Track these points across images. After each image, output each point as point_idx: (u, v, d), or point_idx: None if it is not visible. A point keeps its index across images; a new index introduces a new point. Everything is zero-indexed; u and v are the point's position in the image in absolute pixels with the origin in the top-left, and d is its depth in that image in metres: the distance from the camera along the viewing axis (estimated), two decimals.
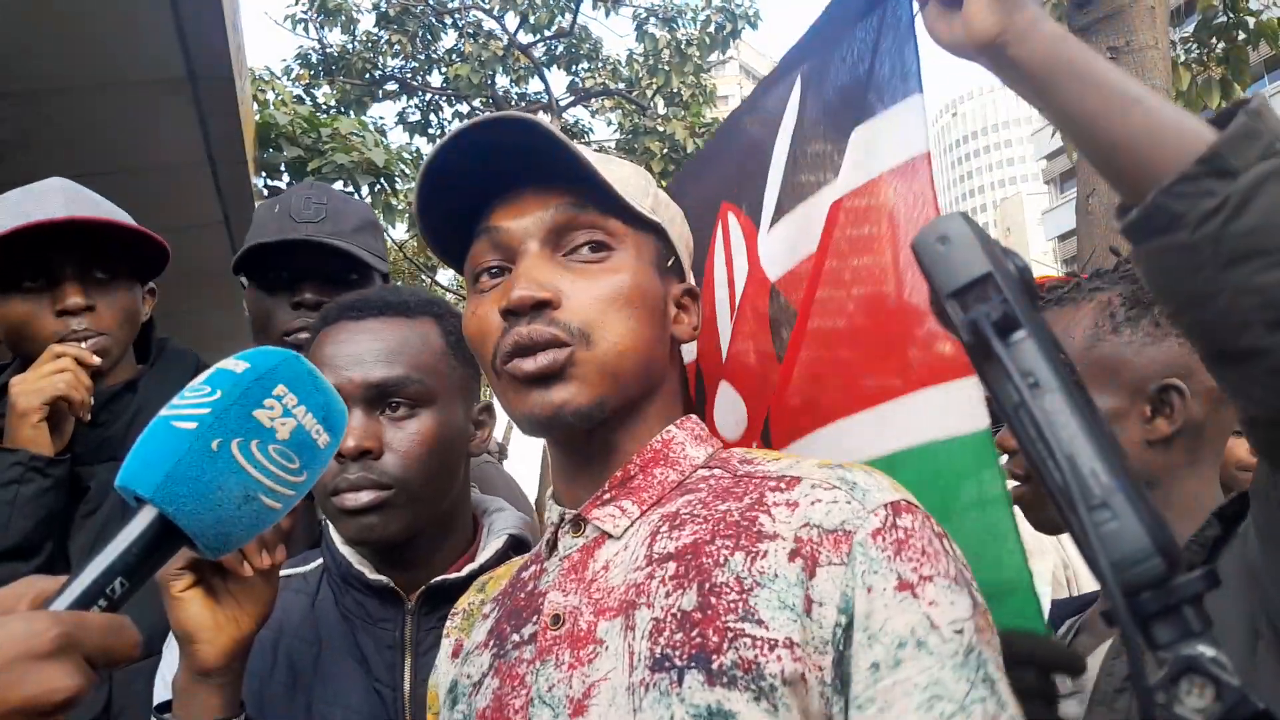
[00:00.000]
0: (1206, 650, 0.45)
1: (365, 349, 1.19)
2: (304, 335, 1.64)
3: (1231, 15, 6.37)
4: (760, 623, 0.77)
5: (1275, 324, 0.75)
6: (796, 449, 1.29)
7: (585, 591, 0.88)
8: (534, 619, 0.91)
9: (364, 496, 1.14)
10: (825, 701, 0.76)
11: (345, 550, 1.24)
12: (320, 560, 1.29)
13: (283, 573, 1.26)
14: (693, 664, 0.77)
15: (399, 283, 4.66)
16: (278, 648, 1.20)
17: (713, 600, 0.79)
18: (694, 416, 1.00)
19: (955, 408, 1.03)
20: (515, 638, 0.92)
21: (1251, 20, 6.38)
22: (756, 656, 0.76)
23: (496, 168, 0.94)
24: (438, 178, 0.94)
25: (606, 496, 0.93)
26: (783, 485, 0.86)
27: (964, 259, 0.55)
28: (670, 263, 1.01)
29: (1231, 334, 0.78)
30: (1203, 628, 0.46)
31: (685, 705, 0.76)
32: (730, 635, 0.77)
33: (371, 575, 1.21)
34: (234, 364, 0.76)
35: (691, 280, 1.06)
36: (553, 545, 0.96)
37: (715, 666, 0.76)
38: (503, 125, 0.91)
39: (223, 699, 1.00)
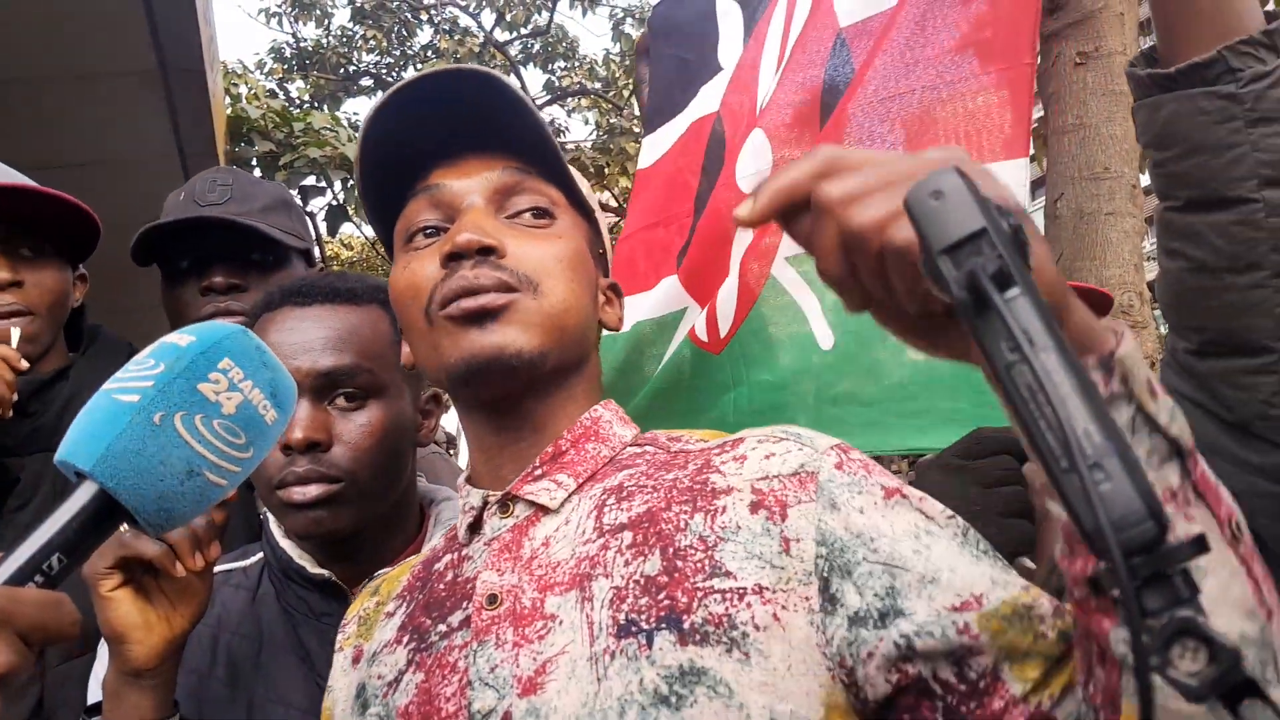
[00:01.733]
0: (1199, 615, 0.45)
1: (312, 336, 1.15)
2: (218, 321, 1.61)
3: None
4: (728, 574, 0.76)
5: (1269, 181, 0.89)
6: None
7: (525, 569, 0.85)
8: (464, 605, 0.87)
9: (312, 490, 1.11)
10: (816, 628, 0.74)
11: (286, 544, 1.21)
12: (261, 554, 1.26)
13: (222, 567, 1.24)
14: (662, 625, 0.75)
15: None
16: (217, 644, 1.17)
17: (679, 564, 0.78)
18: (613, 401, 0.99)
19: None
20: (441, 628, 0.88)
21: None
22: (727, 609, 0.74)
23: (438, 128, 0.92)
24: (382, 132, 0.92)
25: (539, 472, 0.90)
26: (727, 448, 0.86)
27: (958, 214, 0.53)
28: (600, 252, 1.01)
29: (1229, 182, 0.90)
30: (1191, 595, 0.45)
31: (656, 667, 0.73)
32: (700, 594, 0.75)
33: (313, 569, 1.18)
34: (179, 337, 0.74)
35: (614, 280, 1.07)
36: (475, 529, 0.92)
37: (686, 625, 0.74)
38: (461, 78, 0.89)
39: (154, 700, 0.97)
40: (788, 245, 1.44)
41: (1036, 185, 3.11)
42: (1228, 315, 0.93)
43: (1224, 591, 0.58)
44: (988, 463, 1.05)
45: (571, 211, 0.97)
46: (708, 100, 1.71)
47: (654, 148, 1.87)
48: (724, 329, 1.52)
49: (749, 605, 0.74)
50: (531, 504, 0.89)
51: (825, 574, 0.75)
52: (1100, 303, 2.04)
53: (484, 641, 0.82)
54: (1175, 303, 0.99)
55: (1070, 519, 0.48)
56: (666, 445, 0.92)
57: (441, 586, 0.92)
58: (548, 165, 0.94)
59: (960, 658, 0.70)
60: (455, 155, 0.94)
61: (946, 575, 0.73)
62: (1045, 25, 3.14)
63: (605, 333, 1.81)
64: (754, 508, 0.79)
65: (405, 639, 0.91)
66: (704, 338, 1.56)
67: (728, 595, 0.75)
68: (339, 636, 1.02)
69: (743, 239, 1.51)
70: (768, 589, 0.75)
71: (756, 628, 0.74)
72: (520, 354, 0.86)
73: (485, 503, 0.92)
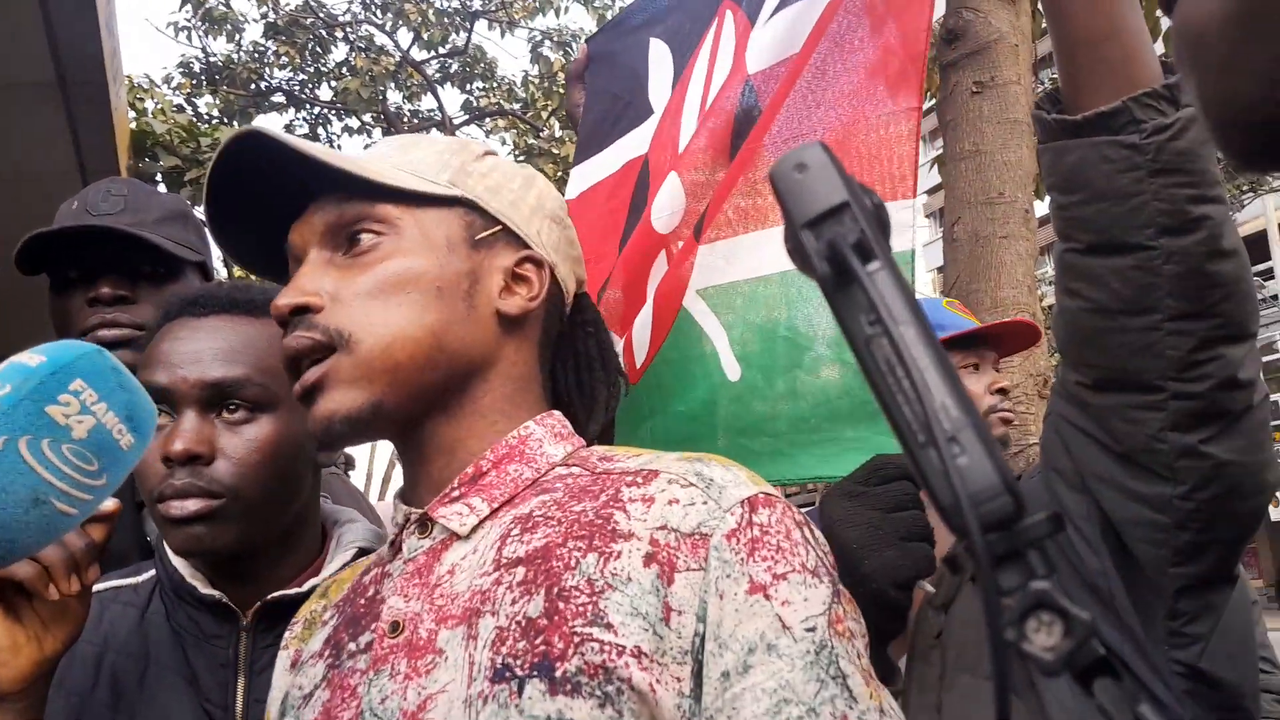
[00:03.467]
0: (1054, 589, 0.44)
1: (204, 346, 1.12)
2: (102, 333, 1.55)
3: None
4: (610, 627, 0.74)
5: (1167, 229, 0.92)
6: (723, 248, 1.37)
7: (428, 597, 0.84)
8: (372, 626, 0.87)
9: (191, 505, 1.07)
10: (681, 713, 0.73)
11: (178, 562, 1.17)
12: (152, 572, 1.22)
13: (112, 584, 1.20)
14: (535, 673, 0.73)
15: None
16: (101, 664, 1.13)
17: (560, 605, 0.76)
18: (557, 413, 0.96)
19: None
20: (352, 646, 0.87)
21: None
22: (605, 661, 0.73)
23: (265, 197, 0.93)
24: (227, 220, 0.94)
25: (456, 494, 0.88)
26: (639, 480, 0.83)
27: (822, 188, 0.53)
28: (490, 233, 0.94)
29: (1129, 229, 0.93)
30: (1047, 573, 0.44)
31: (524, 717, 0.72)
32: (577, 640, 0.74)
33: (204, 589, 1.15)
34: (29, 357, 0.71)
35: (539, 251, 0.97)
36: (397, 547, 0.91)
37: (559, 674, 0.73)
38: (239, 146, 0.90)
39: None
40: (698, 277, 1.48)
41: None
42: (1122, 355, 0.96)
43: None
44: (887, 488, 1.08)
45: (414, 215, 0.91)
46: (639, 142, 1.75)
47: (582, 179, 1.90)
48: (639, 359, 1.54)
49: (627, 665, 0.73)
50: (445, 528, 0.88)
51: (700, 656, 0.74)
52: (1028, 333, 2.10)
53: (380, 671, 0.82)
54: (1071, 339, 1.02)
55: (927, 495, 0.48)
56: (594, 466, 0.89)
57: (362, 602, 0.91)
58: (360, 187, 0.89)
59: None
60: (307, 204, 0.93)
61: (767, 699, 0.72)
62: (944, 55, 3.25)
63: None
64: (648, 560, 0.77)
65: (326, 653, 0.90)
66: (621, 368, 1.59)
67: (607, 647, 0.73)
68: (286, 634, 1.01)
69: (658, 270, 1.54)
70: (647, 655, 0.74)
71: (633, 688, 0.73)
72: (347, 418, 0.85)
73: (407, 520, 0.91)
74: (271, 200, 0.95)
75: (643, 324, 1.53)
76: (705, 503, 0.79)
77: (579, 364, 1.04)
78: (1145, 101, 0.92)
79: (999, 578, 0.44)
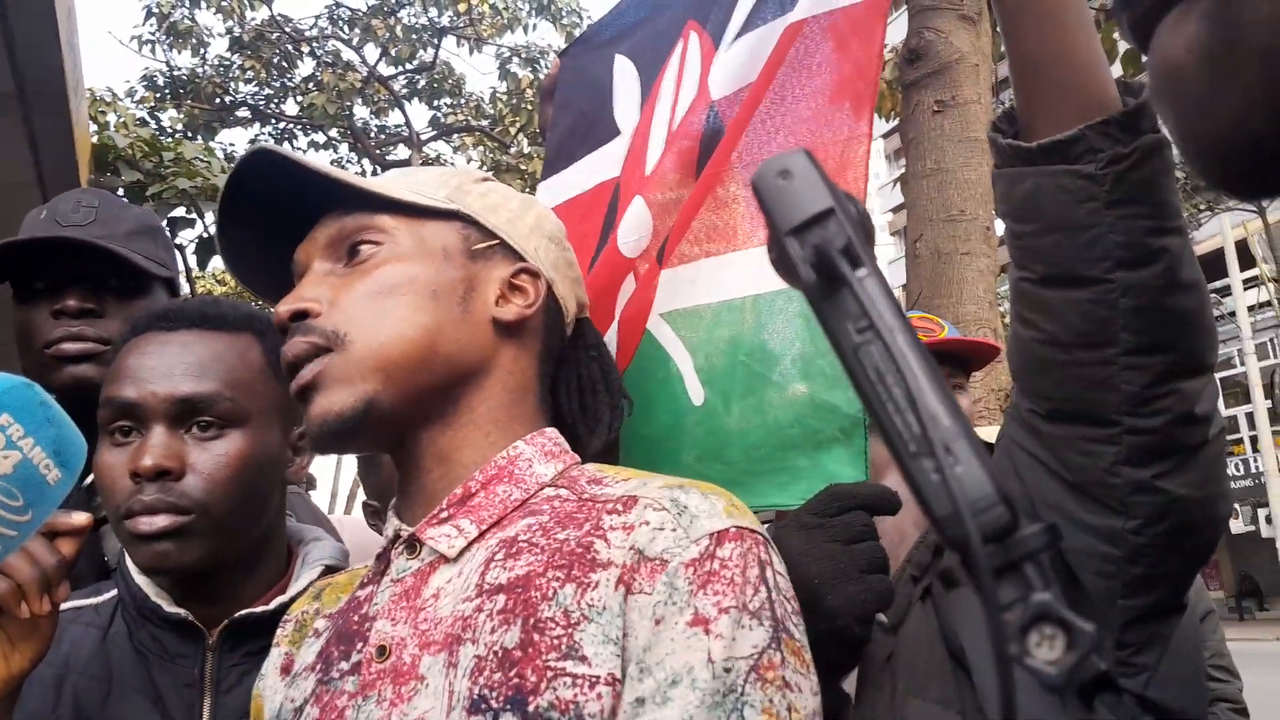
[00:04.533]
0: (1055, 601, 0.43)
1: (173, 361, 1.12)
2: (67, 346, 1.52)
3: None
4: (583, 659, 0.74)
5: (1124, 262, 0.88)
6: (684, 273, 1.38)
7: (413, 621, 0.84)
8: (360, 647, 0.87)
9: (159, 521, 1.06)
10: None
11: (141, 580, 1.16)
12: (114, 591, 1.21)
13: (72, 604, 1.18)
14: (508, 706, 0.74)
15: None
16: (62, 686, 1.11)
17: (535, 637, 0.76)
18: (550, 430, 0.96)
19: None
20: (341, 665, 0.87)
21: None
22: (576, 696, 0.73)
23: (277, 218, 0.96)
24: (244, 235, 0.96)
25: (444, 515, 0.89)
26: (620, 508, 0.83)
27: (806, 194, 0.51)
28: (486, 246, 0.96)
29: (1085, 262, 0.90)
30: (1045, 585, 0.43)
31: None
32: (550, 675, 0.74)
33: (169, 608, 1.14)
34: None
35: (534, 264, 0.99)
36: (385, 562, 0.92)
37: (531, 709, 0.73)
38: (251, 166, 0.93)
39: None
40: (662, 300, 1.49)
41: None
42: (1076, 387, 0.94)
43: None
44: (843, 519, 1.05)
45: (411, 225, 0.94)
46: (610, 164, 1.76)
47: (550, 195, 1.90)
48: None
49: (600, 696, 0.74)
50: (434, 550, 0.88)
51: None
52: (988, 354, 2.12)
53: (368, 696, 0.82)
54: (1025, 368, 1.00)
55: (920, 505, 0.46)
56: (581, 490, 0.89)
57: (355, 619, 0.91)
58: (360, 200, 0.93)
59: None
60: (314, 223, 0.96)
61: None
62: (906, 75, 3.30)
63: None
64: (618, 583, 0.78)
65: (318, 667, 0.90)
66: None
67: (579, 681, 0.74)
68: (278, 632, 1.01)
69: (625, 292, 1.55)
70: (620, 680, 0.74)
71: None
72: (341, 415, 0.87)
73: (397, 536, 0.91)
74: (268, 224, 0.98)
75: (608, 348, 1.54)
76: (674, 530, 0.79)
77: (582, 386, 1.06)
78: (1102, 130, 0.88)
79: (999, 590, 0.43)
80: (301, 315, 0.89)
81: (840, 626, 0.99)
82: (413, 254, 0.92)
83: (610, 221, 1.69)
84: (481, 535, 0.87)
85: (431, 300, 0.90)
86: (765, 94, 1.35)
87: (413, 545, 0.89)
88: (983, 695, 1.01)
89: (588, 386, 1.06)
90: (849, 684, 1.17)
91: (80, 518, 0.96)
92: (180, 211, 7.54)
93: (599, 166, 1.81)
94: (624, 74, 1.83)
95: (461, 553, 0.87)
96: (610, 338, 1.55)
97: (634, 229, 1.47)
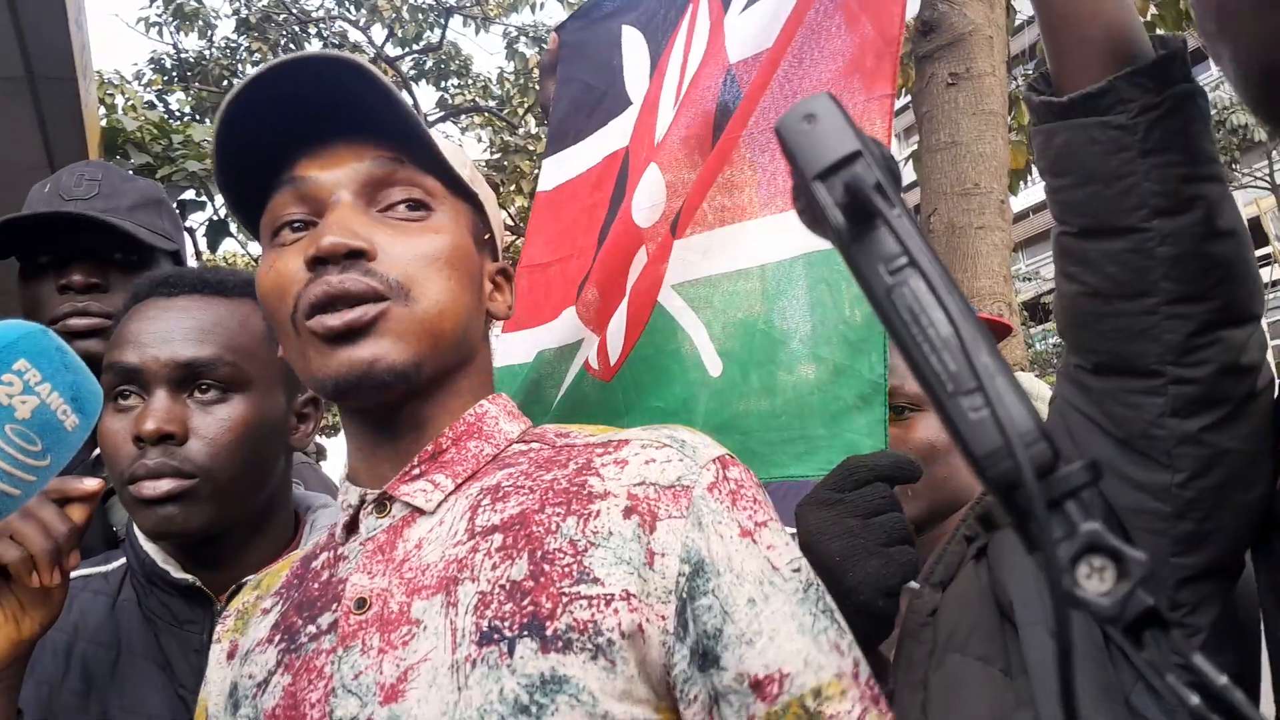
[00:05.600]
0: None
1: (174, 326, 1.11)
2: (74, 322, 1.53)
3: None
4: (596, 580, 0.75)
5: (1160, 210, 0.89)
6: (698, 243, 1.37)
7: (396, 572, 0.83)
8: (333, 606, 0.85)
9: (163, 485, 1.06)
10: (666, 650, 0.75)
11: (149, 547, 1.16)
12: (123, 559, 1.21)
13: (82, 572, 1.18)
14: (525, 633, 0.74)
15: None
16: (71, 653, 1.11)
17: (545, 568, 0.76)
18: (504, 395, 0.97)
19: None
20: (311, 629, 0.86)
21: None
22: (593, 615, 0.74)
23: (302, 115, 0.87)
24: (240, 120, 0.85)
25: (416, 471, 0.87)
26: (610, 448, 0.84)
27: (833, 137, 0.51)
28: (486, 237, 0.97)
29: (1121, 212, 0.90)
30: (1087, 517, 0.43)
31: (516, 676, 0.72)
32: (565, 600, 0.74)
33: (176, 574, 1.13)
34: None
35: (505, 263, 1.02)
36: (351, 528, 0.90)
37: (550, 632, 0.73)
38: (326, 65, 0.84)
39: None
40: (674, 272, 1.47)
41: (920, 210, 3.24)
42: (1120, 339, 0.94)
43: None
44: (862, 493, 1.05)
45: (452, 200, 0.92)
46: (619, 134, 1.73)
47: (556, 171, 1.88)
48: (614, 356, 1.53)
49: (616, 611, 0.74)
50: (408, 505, 0.87)
51: (684, 595, 0.76)
52: (1000, 331, 2.10)
53: (350, 647, 0.81)
54: (1070, 323, 1.00)
55: (959, 446, 0.45)
56: (553, 441, 0.90)
57: (315, 586, 0.90)
58: (421, 154, 0.90)
59: None
60: (322, 145, 0.88)
61: (763, 642, 0.75)
62: (919, 47, 3.26)
63: (509, 364, 1.78)
64: (627, 513, 0.78)
65: (277, 638, 0.88)
66: (595, 365, 1.57)
67: (594, 601, 0.75)
68: (218, 628, 0.98)
69: (638, 266, 1.53)
70: (635, 596, 0.75)
71: (622, 634, 0.74)
72: (394, 368, 0.83)
73: (362, 501, 0.89)
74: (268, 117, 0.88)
75: (618, 320, 1.52)
76: (681, 460, 0.81)
77: None
78: (1133, 80, 0.89)
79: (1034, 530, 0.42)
80: (358, 254, 0.84)
81: (863, 602, 0.99)
82: (458, 229, 0.91)
83: (620, 192, 1.67)
84: (457, 488, 0.87)
85: (469, 282, 0.91)
86: (782, 59, 1.33)
87: (382, 505, 0.88)
88: (1026, 647, 0.99)
89: None
90: (886, 645, 1.17)
91: (92, 483, 0.95)
92: (190, 194, 7.55)
93: (609, 139, 1.78)
94: (632, 44, 1.80)
95: (438, 506, 0.86)
96: (620, 314, 1.54)
97: (646, 198, 1.45)
